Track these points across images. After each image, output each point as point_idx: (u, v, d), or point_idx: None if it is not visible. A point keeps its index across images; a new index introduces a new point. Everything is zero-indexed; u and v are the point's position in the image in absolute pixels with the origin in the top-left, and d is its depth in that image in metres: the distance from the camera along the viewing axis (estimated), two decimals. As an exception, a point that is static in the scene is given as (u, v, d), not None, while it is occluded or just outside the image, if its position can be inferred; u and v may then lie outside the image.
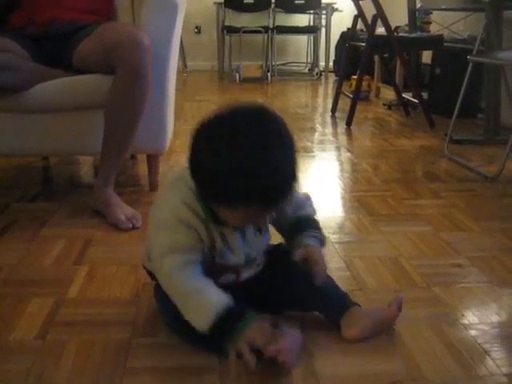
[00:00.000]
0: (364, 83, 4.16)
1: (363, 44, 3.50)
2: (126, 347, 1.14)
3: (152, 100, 1.81)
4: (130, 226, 1.74)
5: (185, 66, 6.17)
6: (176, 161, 2.56)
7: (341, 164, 2.63)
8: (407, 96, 3.92)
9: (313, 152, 2.80)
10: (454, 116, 2.73)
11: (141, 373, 1.06)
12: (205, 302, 1.02)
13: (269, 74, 5.68)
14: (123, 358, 1.10)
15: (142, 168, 2.31)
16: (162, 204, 1.09)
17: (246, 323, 1.01)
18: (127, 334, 1.18)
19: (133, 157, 2.55)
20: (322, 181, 2.34)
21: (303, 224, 1.20)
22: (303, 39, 6.44)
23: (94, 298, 1.33)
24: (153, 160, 2.10)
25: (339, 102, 3.87)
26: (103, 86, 1.75)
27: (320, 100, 4.71)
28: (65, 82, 1.82)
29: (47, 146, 1.95)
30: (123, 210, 1.79)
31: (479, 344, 1.17)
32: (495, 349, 1.16)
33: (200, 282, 1.04)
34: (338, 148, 2.91)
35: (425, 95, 3.75)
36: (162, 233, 1.06)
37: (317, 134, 3.26)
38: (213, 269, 1.09)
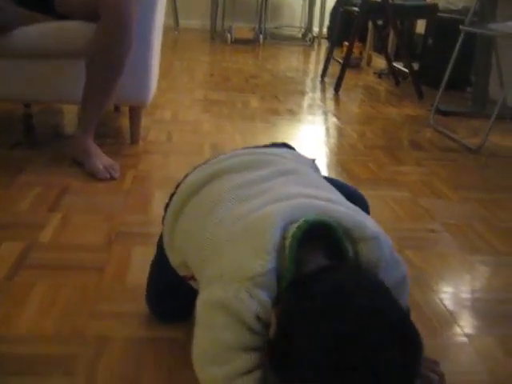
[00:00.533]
0: (356, 50, 4.13)
1: (357, 9, 3.46)
2: (94, 292, 1.13)
3: (136, 51, 1.77)
4: (108, 176, 1.72)
5: (176, 23, 6.06)
6: (161, 116, 2.53)
7: (326, 129, 2.62)
8: (398, 65, 3.89)
9: (299, 115, 2.78)
10: (442, 86, 2.72)
11: (106, 317, 1.06)
12: None
13: (261, 37, 5.60)
14: (90, 302, 1.10)
15: (125, 121, 2.29)
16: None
17: None
18: (96, 280, 1.18)
19: (116, 109, 2.52)
20: (307, 144, 2.33)
21: None
22: (298, 2, 6.34)
23: (65, 244, 1.33)
24: (135, 113, 2.07)
25: (331, 68, 3.83)
26: (87, 33, 1.71)
27: (311, 66, 4.67)
28: (48, 27, 1.78)
29: (29, 92, 1.91)
30: (102, 160, 1.77)
31: (445, 306, 1.18)
32: (460, 312, 1.17)
33: None
34: (324, 113, 2.89)
35: (416, 66, 3.72)
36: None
37: (305, 97, 3.23)
38: None
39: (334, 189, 0.91)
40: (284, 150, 1.00)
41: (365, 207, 1.01)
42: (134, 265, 1.23)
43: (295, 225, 0.74)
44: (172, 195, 0.97)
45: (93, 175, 1.73)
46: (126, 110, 2.35)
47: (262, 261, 0.71)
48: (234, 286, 0.72)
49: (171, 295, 1.03)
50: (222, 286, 0.73)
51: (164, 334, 1.02)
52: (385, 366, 0.64)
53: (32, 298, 1.10)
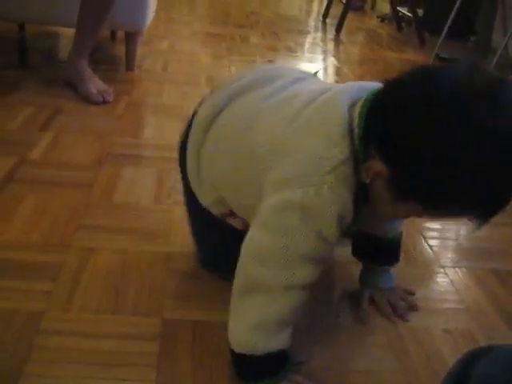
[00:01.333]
0: (360, -8, 4.04)
1: None
2: (82, 207, 1.15)
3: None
4: (101, 99, 1.72)
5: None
6: (158, 46, 2.50)
7: (324, 68, 2.59)
8: (403, 10, 3.82)
9: (297, 53, 2.75)
10: (444, 32, 2.68)
11: (94, 230, 1.08)
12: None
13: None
14: (77, 216, 1.12)
15: (121, 49, 2.25)
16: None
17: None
18: (84, 196, 1.19)
19: (113, 37, 2.48)
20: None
21: (386, 252, 0.98)
22: None
23: (56, 162, 1.34)
24: (131, 40, 2.04)
25: (334, 9, 3.75)
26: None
27: (315, 6, 4.57)
28: None
29: (24, 13, 1.88)
30: (95, 84, 1.76)
31: (426, 240, 1.21)
32: (440, 246, 1.20)
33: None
34: (324, 52, 2.86)
35: (421, 12, 3.65)
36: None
37: (305, 37, 3.18)
38: None
39: None
40: (285, 66, 0.98)
41: None
42: (123, 184, 1.25)
43: (358, 105, 0.72)
44: (184, 135, 0.91)
45: (86, 99, 1.73)
46: (122, 37, 2.31)
47: (340, 147, 0.69)
48: (315, 181, 0.68)
49: (220, 245, 0.94)
50: (299, 187, 0.69)
51: (148, 248, 1.05)
52: None
53: (21, 210, 1.12)
